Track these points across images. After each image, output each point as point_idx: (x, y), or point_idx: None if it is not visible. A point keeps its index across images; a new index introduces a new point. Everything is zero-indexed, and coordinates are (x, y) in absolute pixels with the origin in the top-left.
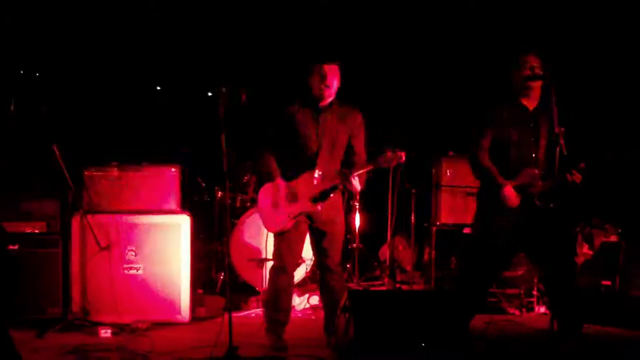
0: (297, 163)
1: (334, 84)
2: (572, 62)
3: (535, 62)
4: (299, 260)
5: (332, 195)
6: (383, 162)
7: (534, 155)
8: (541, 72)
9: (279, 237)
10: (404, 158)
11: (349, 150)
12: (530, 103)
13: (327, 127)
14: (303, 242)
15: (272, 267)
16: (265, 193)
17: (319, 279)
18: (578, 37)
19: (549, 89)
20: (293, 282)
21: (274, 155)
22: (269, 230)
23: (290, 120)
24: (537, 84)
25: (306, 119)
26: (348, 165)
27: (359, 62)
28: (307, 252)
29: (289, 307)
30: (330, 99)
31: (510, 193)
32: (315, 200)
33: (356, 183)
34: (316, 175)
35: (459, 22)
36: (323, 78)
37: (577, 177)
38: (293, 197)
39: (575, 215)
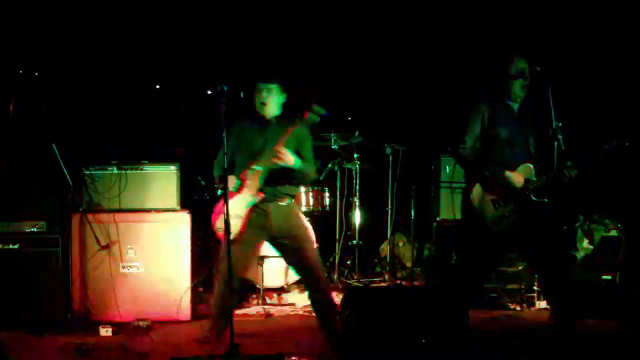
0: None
1: (271, 101)
2: (567, 56)
3: (522, 64)
4: (242, 274)
5: (279, 187)
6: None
7: (526, 151)
8: (529, 77)
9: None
10: (314, 109)
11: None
12: (516, 102)
13: (272, 142)
14: (251, 256)
15: (217, 271)
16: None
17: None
18: (573, 30)
19: (545, 84)
20: (231, 290)
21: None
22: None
23: (239, 134)
24: (523, 89)
25: (252, 133)
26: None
27: (359, 59)
28: None
29: (223, 310)
30: (272, 115)
31: (513, 175)
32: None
33: (287, 157)
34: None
35: (458, 20)
36: (259, 96)
37: (573, 172)
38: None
39: (569, 210)
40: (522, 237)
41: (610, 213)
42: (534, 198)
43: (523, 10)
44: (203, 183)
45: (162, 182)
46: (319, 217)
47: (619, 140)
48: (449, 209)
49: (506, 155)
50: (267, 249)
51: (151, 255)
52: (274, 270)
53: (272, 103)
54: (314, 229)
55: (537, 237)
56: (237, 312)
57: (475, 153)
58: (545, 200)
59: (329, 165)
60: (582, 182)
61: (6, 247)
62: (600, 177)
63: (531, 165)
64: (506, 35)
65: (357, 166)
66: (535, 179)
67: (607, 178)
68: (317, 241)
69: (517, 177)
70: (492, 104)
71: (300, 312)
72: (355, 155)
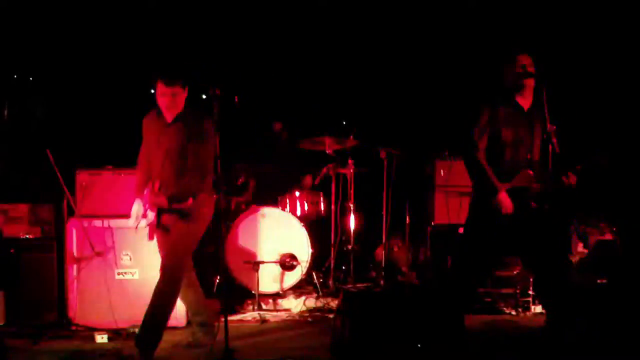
0: (156, 175)
1: (177, 102)
2: (565, 61)
3: (527, 61)
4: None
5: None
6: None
7: (528, 155)
8: (533, 71)
9: None
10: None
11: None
12: (525, 102)
13: (169, 139)
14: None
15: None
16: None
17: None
18: (571, 36)
19: (540, 88)
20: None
21: (143, 170)
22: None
23: (146, 132)
24: (530, 83)
25: (155, 131)
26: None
27: (354, 63)
28: (303, 254)
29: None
30: (176, 113)
31: (505, 199)
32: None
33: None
34: (155, 188)
35: (454, 24)
36: (163, 99)
37: (573, 179)
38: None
39: (568, 216)
40: (520, 242)
41: (605, 216)
42: (533, 205)
43: (518, 15)
44: None
45: None
46: (314, 222)
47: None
48: (444, 213)
49: (507, 159)
50: (261, 254)
51: (146, 261)
52: (270, 275)
53: (177, 104)
54: (309, 234)
55: (535, 242)
56: (233, 317)
57: (483, 156)
58: (545, 206)
59: (324, 170)
60: (583, 188)
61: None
62: (594, 181)
63: (531, 172)
64: (501, 40)
65: (352, 171)
66: (534, 186)
67: (602, 182)
68: (313, 246)
69: (506, 205)
70: (500, 103)
71: (296, 318)
72: (350, 160)
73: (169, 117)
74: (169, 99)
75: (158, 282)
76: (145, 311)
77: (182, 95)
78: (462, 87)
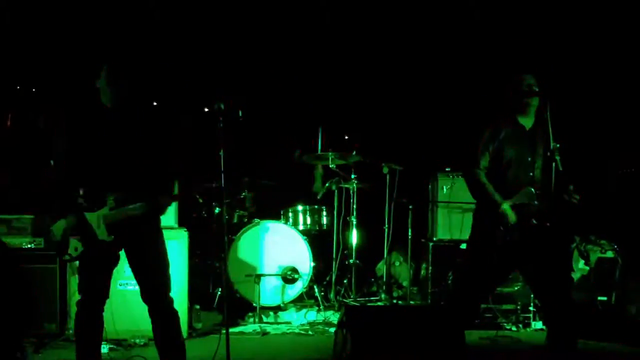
0: (96, 182)
1: (123, 86)
2: (569, 80)
3: (531, 80)
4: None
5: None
6: None
7: (531, 174)
8: (537, 89)
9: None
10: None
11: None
12: (527, 122)
13: (118, 135)
14: (107, 271)
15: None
16: None
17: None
18: (575, 55)
19: (544, 106)
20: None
21: (61, 177)
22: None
23: (78, 131)
24: (533, 102)
25: (95, 128)
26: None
27: (357, 79)
28: (305, 267)
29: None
30: (122, 95)
31: (507, 210)
32: (110, 230)
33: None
34: (110, 199)
35: (456, 40)
36: (110, 80)
37: (574, 198)
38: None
39: (570, 233)
40: (523, 260)
41: (607, 234)
42: (534, 222)
43: (523, 34)
44: (201, 201)
45: None
46: (317, 236)
47: None
48: (446, 228)
49: (510, 177)
50: (263, 267)
51: None
52: (271, 288)
53: (126, 84)
54: (312, 247)
55: (538, 260)
56: (234, 330)
57: (483, 174)
58: (547, 223)
59: (327, 185)
60: (584, 205)
61: None
62: (597, 199)
63: (533, 190)
64: (505, 59)
65: (355, 185)
66: (536, 203)
67: (604, 199)
68: (314, 260)
69: (510, 215)
70: (502, 122)
71: (297, 330)
72: (352, 175)
73: (114, 99)
74: (118, 75)
75: (167, 306)
76: (148, 321)
77: (127, 78)
78: (465, 104)
